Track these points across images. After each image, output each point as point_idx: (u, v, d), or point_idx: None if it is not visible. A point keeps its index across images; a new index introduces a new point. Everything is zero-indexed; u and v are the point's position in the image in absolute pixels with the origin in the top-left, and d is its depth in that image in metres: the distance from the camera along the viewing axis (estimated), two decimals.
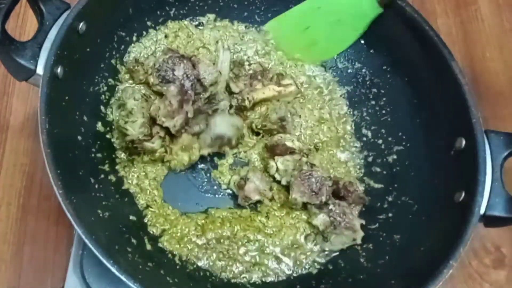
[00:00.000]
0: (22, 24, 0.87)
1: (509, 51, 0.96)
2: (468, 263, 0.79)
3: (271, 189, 0.76)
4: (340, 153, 0.81)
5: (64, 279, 0.68)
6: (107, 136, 0.74)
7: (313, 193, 0.72)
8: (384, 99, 0.82)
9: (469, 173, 0.64)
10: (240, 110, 0.78)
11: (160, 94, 0.75)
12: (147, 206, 0.73)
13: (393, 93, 0.81)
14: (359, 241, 0.72)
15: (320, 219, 0.72)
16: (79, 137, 0.69)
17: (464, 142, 0.67)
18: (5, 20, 0.60)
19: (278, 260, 0.72)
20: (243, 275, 0.71)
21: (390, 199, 0.76)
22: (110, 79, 0.76)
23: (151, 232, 0.71)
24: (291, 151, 0.76)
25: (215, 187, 0.76)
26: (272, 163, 0.76)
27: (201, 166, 0.77)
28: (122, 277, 0.55)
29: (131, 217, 0.71)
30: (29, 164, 0.78)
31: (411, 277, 0.63)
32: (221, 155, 0.78)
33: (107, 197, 0.69)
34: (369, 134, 0.82)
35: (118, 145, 0.74)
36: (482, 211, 0.62)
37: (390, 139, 0.80)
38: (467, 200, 0.63)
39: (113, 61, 0.77)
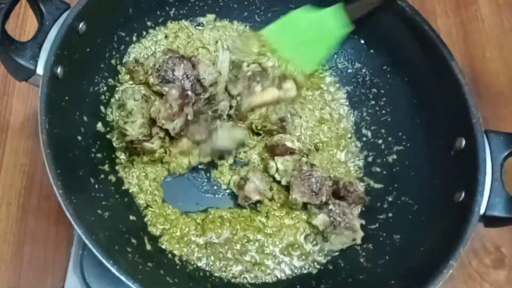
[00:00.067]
0: (22, 24, 0.87)
1: (509, 51, 0.96)
2: (468, 263, 0.79)
3: (271, 189, 0.76)
4: (340, 153, 0.81)
5: (64, 279, 0.67)
6: (107, 136, 0.74)
7: (313, 193, 0.72)
8: (384, 99, 0.82)
9: (469, 173, 0.64)
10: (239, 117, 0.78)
11: (160, 95, 0.75)
12: (147, 206, 0.73)
13: (393, 93, 0.81)
14: (359, 241, 0.72)
15: (320, 219, 0.72)
16: (79, 137, 0.69)
17: (464, 142, 0.67)
18: (5, 20, 0.60)
19: (278, 260, 0.72)
20: (243, 275, 0.71)
21: (390, 199, 0.76)
22: (110, 79, 0.76)
23: (151, 232, 0.71)
24: (291, 152, 0.76)
25: (215, 187, 0.76)
26: (272, 163, 0.76)
27: (201, 166, 0.77)
28: (122, 277, 0.55)
29: (131, 217, 0.71)
30: (29, 164, 0.78)
31: (411, 277, 0.63)
32: None
33: (107, 197, 0.69)
34: (369, 134, 0.82)
35: (117, 145, 0.74)
36: (482, 211, 0.62)
37: (390, 139, 0.80)
38: (467, 200, 0.63)
39: (113, 61, 0.77)
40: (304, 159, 0.75)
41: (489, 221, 0.63)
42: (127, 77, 0.78)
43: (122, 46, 0.78)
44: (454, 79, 0.69)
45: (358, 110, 0.83)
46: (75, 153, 0.67)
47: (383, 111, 0.81)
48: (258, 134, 0.80)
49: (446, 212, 0.66)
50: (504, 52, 0.96)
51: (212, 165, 0.77)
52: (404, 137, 0.78)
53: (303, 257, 0.73)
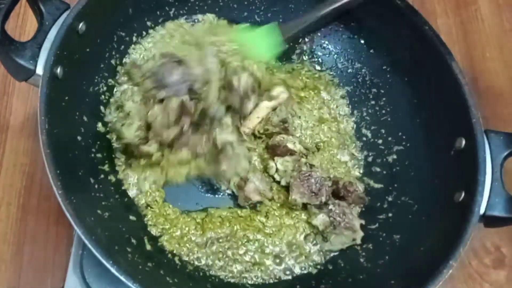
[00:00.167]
0: (22, 24, 0.87)
1: (509, 51, 0.96)
2: (468, 263, 0.79)
3: (271, 189, 0.76)
4: (340, 153, 0.81)
5: (64, 279, 0.67)
6: (107, 136, 0.74)
7: (313, 194, 0.72)
8: (384, 99, 0.82)
9: (469, 173, 0.64)
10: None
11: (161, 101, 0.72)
12: (147, 206, 0.73)
13: (393, 93, 0.81)
14: (359, 241, 0.72)
15: (320, 219, 0.72)
16: (79, 137, 0.69)
17: (464, 142, 0.67)
18: (5, 20, 0.60)
19: (278, 260, 0.72)
20: (243, 275, 0.71)
21: (390, 199, 0.76)
22: (110, 80, 0.76)
23: (151, 232, 0.71)
24: (291, 153, 0.76)
25: (215, 187, 0.76)
26: (271, 163, 0.76)
27: None
28: (122, 277, 0.55)
29: (131, 217, 0.71)
30: (29, 164, 0.78)
31: (411, 277, 0.63)
32: None
33: (107, 197, 0.69)
34: (369, 134, 0.82)
35: (116, 147, 0.74)
36: (482, 211, 0.62)
37: (390, 139, 0.80)
38: (467, 200, 0.63)
39: (113, 62, 0.76)
40: (304, 159, 0.75)
41: (489, 221, 0.63)
42: (126, 78, 0.77)
43: (122, 46, 0.78)
44: (454, 79, 0.69)
45: (358, 110, 0.83)
46: (75, 153, 0.67)
47: (383, 111, 0.81)
48: (259, 138, 0.79)
49: (446, 212, 0.66)
50: (504, 52, 0.96)
51: None
52: (404, 137, 0.78)
53: (303, 257, 0.73)
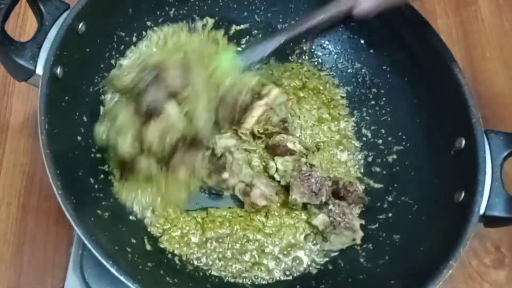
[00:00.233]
0: (22, 24, 0.87)
1: (509, 51, 0.96)
2: (468, 263, 0.79)
3: (277, 193, 0.75)
4: (340, 153, 0.81)
5: (64, 279, 0.68)
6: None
7: (313, 194, 0.72)
8: (384, 99, 0.82)
9: (469, 173, 0.64)
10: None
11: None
12: (148, 206, 0.73)
13: (393, 93, 0.81)
14: (358, 241, 0.72)
15: (320, 219, 0.72)
16: (79, 137, 0.69)
17: (464, 142, 0.67)
18: (5, 20, 0.60)
19: (278, 260, 0.72)
20: (243, 275, 0.71)
21: (390, 199, 0.76)
22: None
23: (151, 232, 0.71)
24: (291, 153, 0.76)
25: (215, 187, 0.76)
26: (271, 163, 0.76)
27: None
28: (122, 278, 0.55)
29: (131, 217, 0.71)
30: (29, 164, 0.78)
31: (411, 277, 0.63)
32: None
33: (107, 197, 0.69)
34: (369, 134, 0.82)
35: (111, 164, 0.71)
36: (482, 211, 0.62)
37: (390, 139, 0.80)
38: (467, 200, 0.63)
39: (112, 62, 0.76)
40: (304, 159, 0.75)
41: (489, 221, 0.63)
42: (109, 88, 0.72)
43: (122, 46, 0.78)
44: (454, 79, 0.69)
45: (358, 110, 0.83)
46: (75, 153, 0.67)
47: (383, 111, 0.81)
48: (259, 138, 0.79)
49: (446, 212, 0.66)
50: (504, 52, 0.96)
51: None
52: (404, 137, 0.78)
53: (303, 257, 0.73)
